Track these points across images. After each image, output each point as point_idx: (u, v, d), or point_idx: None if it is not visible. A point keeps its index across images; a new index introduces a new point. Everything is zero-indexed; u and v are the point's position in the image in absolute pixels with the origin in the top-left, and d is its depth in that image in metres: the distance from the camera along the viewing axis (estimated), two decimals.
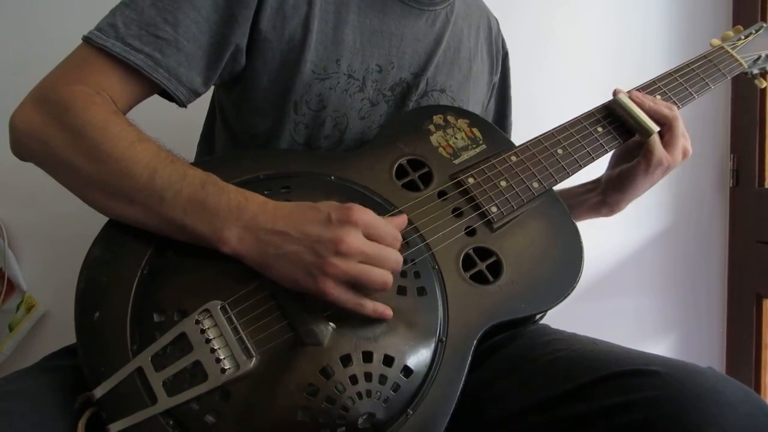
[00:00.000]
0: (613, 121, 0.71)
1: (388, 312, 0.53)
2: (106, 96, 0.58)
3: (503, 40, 0.88)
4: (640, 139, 0.70)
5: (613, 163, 0.77)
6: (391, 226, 0.53)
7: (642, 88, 0.74)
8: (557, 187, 0.69)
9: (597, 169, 0.74)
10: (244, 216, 0.52)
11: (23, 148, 0.58)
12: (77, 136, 0.54)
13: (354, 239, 0.50)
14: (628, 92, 0.72)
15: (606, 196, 0.76)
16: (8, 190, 1.08)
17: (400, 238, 0.54)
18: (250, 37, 0.65)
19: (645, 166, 0.69)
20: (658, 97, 0.72)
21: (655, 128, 0.68)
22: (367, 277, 0.50)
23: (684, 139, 0.70)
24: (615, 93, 0.71)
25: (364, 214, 0.51)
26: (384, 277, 0.51)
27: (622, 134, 0.71)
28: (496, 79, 0.87)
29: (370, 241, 0.51)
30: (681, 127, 0.69)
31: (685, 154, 0.70)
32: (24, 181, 0.98)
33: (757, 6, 1.20)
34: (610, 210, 0.77)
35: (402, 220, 0.56)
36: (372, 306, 0.52)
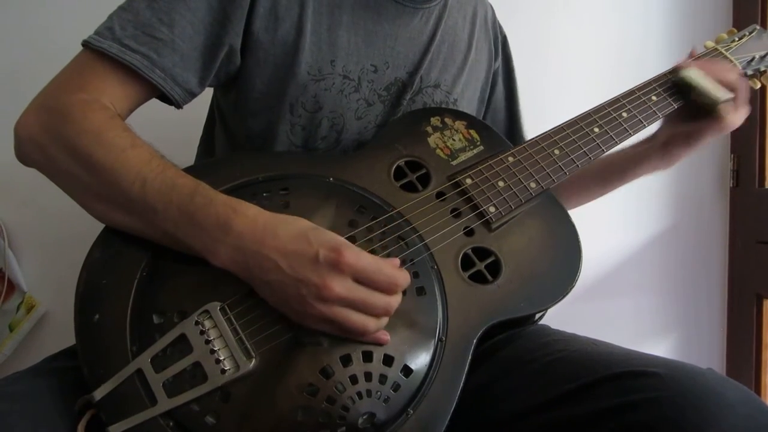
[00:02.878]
0: (610, 121, 0.71)
1: (384, 337, 0.52)
2: (106, 102, 0.58)
3: (500, 25, 0.88)
4: (710, 109, 0.71)
5: (672, 122, 0.77)
6: (388, 269, 0.51)
7: (639, 89, 0.74)
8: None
9: None
10: (232, 233, 0.51)
11: (25, 154, 0.58)
12: (72, 144, 0.54)
13: (338, 286, 0.48)
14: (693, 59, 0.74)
15: (668, 152, 0.78)
16: (8, 190, 1.09)
17: (399, 281, 0.51)
18: (243, 39, 0.65)
19: (717, 130, 0.73)
20: (654, 98, 0.73)
21: (723, 97, 0.70)
22: (345, 322, 0.49)
23: (748, 104, 0.74)
24: (681, 67, 0.73)
25: (355, 260, 0.49)
26: (363, 324, 0.49)
27: (619, 134, 0.71)
28: (497, 65, 0.87)
29: (358, 287, 0.50)
30: (746, 89, 0.73)
31: (745, 115, 0.74)
32: (24, 181, 0.98)
33: (757, 7, 1.20)
34: (668, 165, 0.80)
35: (395, 263, 0.53)
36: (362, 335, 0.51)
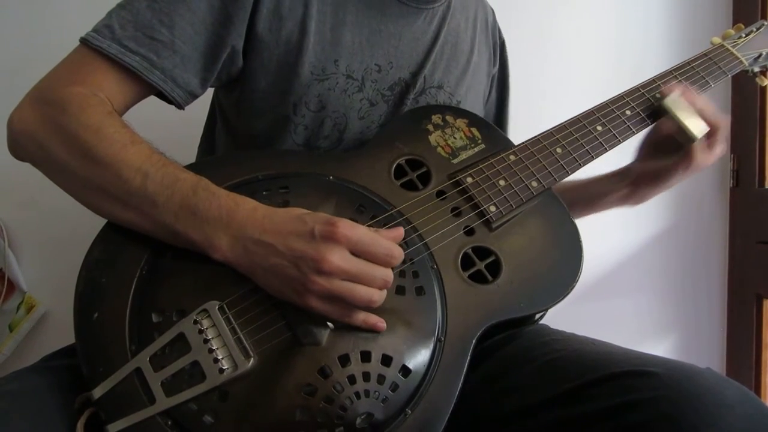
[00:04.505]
0: (613, 119, 0.71)
1: (381, 325, 0.52)
2: (103, 97, 0.58)
3: (500, 29, 0.88)
4: (682, 141, 0.68)
5: (645, 156, 0.75)
6: (385, 242, 0.51)
7: (643, 86, 0.74)
8: (582, 174, 0.69)
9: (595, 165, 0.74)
10: (233, 224, 0.51)
11: (20, 148, 0.58)
12: (72, 138, 0.54)
13: (335, 257, 0.49)
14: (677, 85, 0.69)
15: (638, 188, 0.76)
16: (8, 190, 1.09)
17: (395, 253, 0.51)
18: (246, 39, 0.65)
19: (685, 167, 0.70)
20: (658, 95, 0.72)
21: (700, 135, 0.67)
22: (350, 295, 0.49)
23: (724, 144, 0.70)
24: (664, 93, 0.69)
25: (350, 231, 0.50)
26: (368, 295, 0.50)
27: (622, 133, 0.71)
28: (495, 69, 0.87)
29: (356, 259, 0.50)
30: (725, 133, 0.69)
31: (720, 155, 0.71)
32: (24, 181, 0.98)
33: (757, 5, 1.20)
34: (637, 201, 0.78)
35: (398, 233, 0.54)
36: (363, 317, 0.51)
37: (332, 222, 0.50)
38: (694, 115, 0.68)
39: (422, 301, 0.56)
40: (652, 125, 0.72)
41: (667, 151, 0.71)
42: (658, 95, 0.71)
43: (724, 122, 0.69)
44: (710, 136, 0.69)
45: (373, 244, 0.51)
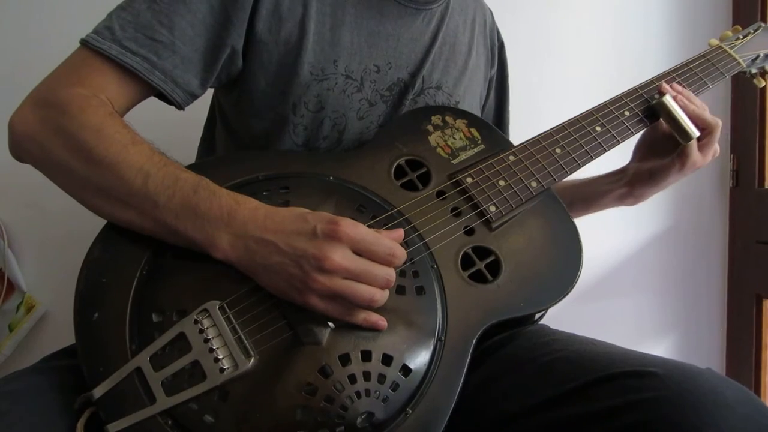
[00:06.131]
0: (611, 120, 0.71)
1: (382, 323, 0.52)
2: (103, 98, 0.58)
3: (498, 31, 0.88)
4: (678, 139, 0.70)
5: (641, 156, 0.77)
6: (386, 241, 0.52)
7: (641, 87, 0.74)
8: (581, 174, 0.70)
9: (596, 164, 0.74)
10: (235, 222, 0.52)
11: (21, 149, 0.58)
12: (72, 138, 0.54)
13: (338, 256, 0.49)
14: (672, 86, 0.71)
15: (634, 188, 0.77)
16: (8, 190, 1.09)
17: (397, 253, 0.52)
18: (246, 40, 0.65)
19: (680, 167, 0.71)
20: (656, 96, 0.73)
21: (696, 134, 0.69)
22: (352, 293, 0.50)
23: (717, 145, 0.72)
24: (661, 92, 0.71)
25: (352, 230, 0.50)
26: (370, 293, 0.50)
27: (621, 133, 0.71)
28: (493, 71, 0.87)
29: (358, 257, 0.50)
30: (719, 134, 0.71)
31: (713, 156, 0.72)
32: (24, 181, 0.98)
33: (757, 6, 1.20)
34: (635, 200, 0.79)
35: (398, 234, 0.54)
36: (364, 316, 0.52)
37: (335, 221, 0.50)
38: (686, 117, 0.69)
39: (422, 301, 0.56)
40: (650, 125, 0.73)
41: (663, 151, 0.73)
42: (655, 94, 0.72)
43: (720, 123, 0.71)
44: (705, 136, 0.70)
45: (375, 243, 0.51)
